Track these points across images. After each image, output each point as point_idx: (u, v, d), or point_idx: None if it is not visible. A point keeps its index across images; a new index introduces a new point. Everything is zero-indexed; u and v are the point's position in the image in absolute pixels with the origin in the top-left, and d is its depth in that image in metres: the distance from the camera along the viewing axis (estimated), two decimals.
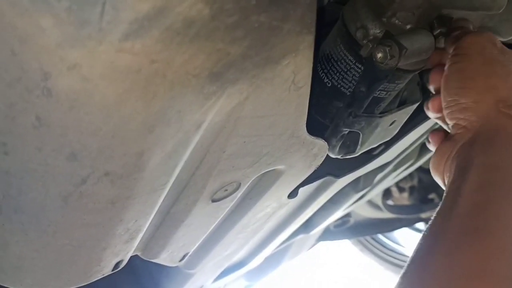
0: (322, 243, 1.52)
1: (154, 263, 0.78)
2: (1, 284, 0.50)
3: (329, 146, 0.56)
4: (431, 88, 0.57)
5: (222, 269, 0.85)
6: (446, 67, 0.53)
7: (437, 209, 0.43)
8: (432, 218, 0.43)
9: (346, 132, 0.57)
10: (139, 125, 0.32)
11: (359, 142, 0.60)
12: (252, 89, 0.36)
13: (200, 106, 0.34)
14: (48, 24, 0.27)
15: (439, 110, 0.53)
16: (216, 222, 0.57)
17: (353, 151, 0.61)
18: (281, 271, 1.56)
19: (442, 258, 0.38)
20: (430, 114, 0.57)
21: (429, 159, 0.55)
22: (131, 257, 0.56)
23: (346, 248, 2.22)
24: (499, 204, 0.40)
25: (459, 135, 0.49)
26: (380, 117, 0.58)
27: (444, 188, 0.48)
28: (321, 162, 0.55)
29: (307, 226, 1.05)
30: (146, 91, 0.30)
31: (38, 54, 0.28)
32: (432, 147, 0.56)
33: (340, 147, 0.59)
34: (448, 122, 0.51)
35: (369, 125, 0.57)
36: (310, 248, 1.46)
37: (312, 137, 0.49)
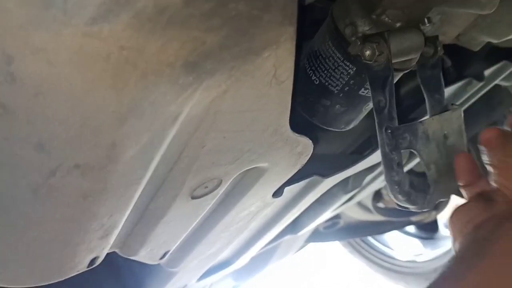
0: (311, 244, 1.51)
1: (137, 261, 0.77)
2: None
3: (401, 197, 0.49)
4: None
5: (206, 268, 0.83)
6: None
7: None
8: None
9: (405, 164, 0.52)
10: (109, 115, 0.31)
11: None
12: (231, 82, 0.35)
13: (176, 97, 0.32)
14: (11, 4, 0.25)
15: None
16: (197, 220, 0.56)
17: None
18: (273, 273, 1.55)
19: None
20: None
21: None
22: (112, 255, 0.55)
23: (335, 250, 2.22)
24: None
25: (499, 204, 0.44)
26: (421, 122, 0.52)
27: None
28: (306, 161, 0.54)
29: (294, 226, 1.03)
30: (116, 80, 0.28)
31: (0, 36, 0.26)
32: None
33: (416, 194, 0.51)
34: (492, 183, 0.46)
35: (416, 135, 0.51)
36: (299, 249, 1.45)
37: (297, 134, 0.48)
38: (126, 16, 0.26)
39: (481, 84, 0.84)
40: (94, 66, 0.27)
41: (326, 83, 0.55)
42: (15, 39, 0.26)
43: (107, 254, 0.52)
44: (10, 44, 0.26)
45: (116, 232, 0.46)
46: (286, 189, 0.63)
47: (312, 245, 1.52)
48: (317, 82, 0.55)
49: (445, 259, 2.00)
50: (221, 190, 0.50)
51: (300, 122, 0.51)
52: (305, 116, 0.58)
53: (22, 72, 0.27)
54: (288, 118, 0.44)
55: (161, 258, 0.62)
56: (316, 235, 1.44)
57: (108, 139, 0.33)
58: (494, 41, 0.69)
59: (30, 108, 0.29)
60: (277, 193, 0.62)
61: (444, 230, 2.20)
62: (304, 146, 0.51)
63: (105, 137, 0.32)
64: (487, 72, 0.85)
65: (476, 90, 0.88)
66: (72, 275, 0.49)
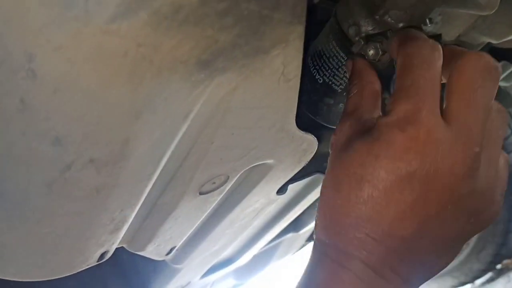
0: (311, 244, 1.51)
1: (141, 258, 0.77)
2: None
3: None
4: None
5: (210, 265, 0.84)
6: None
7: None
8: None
9: None
10: (125, 111, 0.32)
11: None
12: (241, 79, 0.36)
13: (188, 94, 0.34)
14: (34, 4, 0.26)
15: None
16: (203, 216, 0.57)
17: None
18: (273, 272, 1.56)
19: None
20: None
21: None
22: (117, 252, 0.56)
23: None
24: None
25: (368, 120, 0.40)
26: None
27: None
28: (310, 158, 0.55)
29: (296, 224, 1.05)
30: (132, 76, 0.29)
31: (23, 35, 0.27)
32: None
33: None
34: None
35: None
36: (300, 248, 1.46)
37: (302, 132, 0.49)
38: (144, 14, 0.27)
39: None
40: (111, 63, 0.28)
41: (330, 82, 0.56)
42: (37, 37, 0.27)
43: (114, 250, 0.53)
44: (32, 42, 0.27)
45: (126, 227, 0.47)
46: (290, 187, 0.65)
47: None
48: (321, 81, 0.57)
49: None
50: (228, 186, 0.51)
51: (304, 121, 0.52)
52: (309, 114, 0.59)
53: (42, 69, 0.28)
54: (294, 116, 0.45)
55: (167, 254, 0.63)
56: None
57: (122, 135, 0.34)
58: (494, 41, 0.70)
59: (49, 104, 0.30)
60: (282, 190, 0.63)
61: None
62: (309, 143, 0.52)
63: (119, 133, 0.33)
64: None
65: None
66: (82, 269, 0.50)
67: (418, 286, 0.39)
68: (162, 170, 0.42)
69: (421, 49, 0.37)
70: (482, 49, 0.74)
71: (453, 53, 0.39)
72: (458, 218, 0.37)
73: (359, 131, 0.39)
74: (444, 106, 0.37)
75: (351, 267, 0.37)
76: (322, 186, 0.40)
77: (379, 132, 0.36)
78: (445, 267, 0.40)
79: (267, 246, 1.04)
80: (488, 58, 0.37)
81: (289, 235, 1.10)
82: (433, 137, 0.35)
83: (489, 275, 2.08)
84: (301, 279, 0.41)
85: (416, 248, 0.37)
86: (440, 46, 0.38)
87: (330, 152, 0.42)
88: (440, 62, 0.38)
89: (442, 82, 0.38)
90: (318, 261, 0.39)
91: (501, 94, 1.20)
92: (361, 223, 0.36)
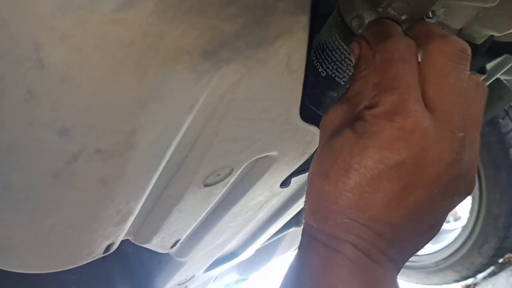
0: None
1: (146, 251, 0.78)
2: None
3: None
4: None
5: (214, 258, 0.85)
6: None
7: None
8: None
9: None
10: (131, 101, 0.32)
11: None
12: (246, 70, 0.36)
13: (193, 84, 0.34)
14: None
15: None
16: (208, 208, 0.57)
17: None
18: (276, 269, 1.57)
19: None
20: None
21: None
22: (122, 245, 0.56)
23: None
24: None
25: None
26: None
27: None
28: (314, 150, 0.55)
29: (299, 219, 1.05)
30: (138, 66, 0.30)
31: (30, 24, 0.27)
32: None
33: None
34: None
35: None
36: None
37: (306, 124, 0.49)
38: (150, 3, 0.27)
39: (483, 77, 0.85)
40: (118, 52, 0.28)
41: (333, 75, 0.56)
42: (44, 26, 0.27)
43: (118, 244, 0.54)
44: (39, 31, 0.27)
45: (131, 219, 0.47)
46: (293, 180, 0.65)
47: None
48: (324, 74, 0.57)
49: (446, 253, 2.02)
50: (232, 178, 0.52)
51: (307, 114, 0.52)
52: (312, 108, 0.59)
53: (49, 58, 0.28)
54: (299, 108, 0.46)
55: (172, 247, 0.63)
56: None
57: (128, 125, 0.34)
58: (497, 34, 0.70)
59: (56, 93, 0.31)
60: (285, 183, 0.63)
61: (445, 224, 2.21)
62: (313, 135, 0.52)
63: (126, 123, 0.34)
64: (489, 66, 0.86)
65: None
66: (88, 261, 0.51)
67: (405, 263, 0.40)
68: (167, 162, 0.42)
69: (399, 45, 0.38)
70: (484, 42, 0.74)
71: (423, 33, 0.40)
72: (445, 200, 0.38)
73: (352, 118, 0.39)
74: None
75: (341, 250, 0.38)
76: (310, 172, 0.41)
77: (367, 123, 0.37)
78: (429, 241, 0.41)
79: (270, 241, 1.04)
80: (454, 42, 0.38)
81: (292, 229, 1.10)
82: (420, 126, 0.35)
83: (491, 269, 2.09)
84: (292, 262, 0.41)
85: (404, 232, 0.38)
86: (413, 42, 0.39)
87: (320, 134, 0.42)
88: (416, 55, 0.39)
89: None
90: (309, 245, 0.40)
91: (502, 88, 1.19)
92: (348, 210, 0.37)
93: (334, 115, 0.41)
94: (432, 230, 0.40)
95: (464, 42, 0.39)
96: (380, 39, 0.41)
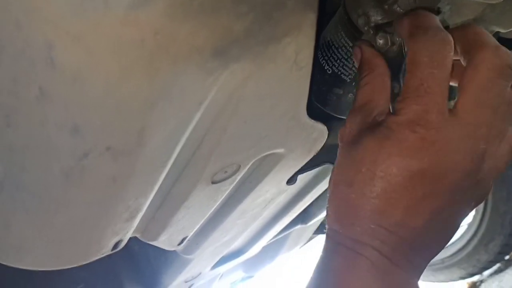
0: (320, 236, 1.52)
1: (153, 249, 0.78)
2: (2, 262, 0.50)
3: None
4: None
5: (221, 256, 0.85)
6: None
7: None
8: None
9: None
10: (141, 100, 0.32)
11: None
12: (255, 67, 0.36)
13: (203, 82, 0.34)
14: None
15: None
16: (215, 205, 0.57)
17: None
18: (282, 266, 1.57)
19: None
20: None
21: None
22: (129, 243, 0.57)
23: None
24: None
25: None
26: None
27: None
28: (320, 147, 0.55)
29: (305, 216, 1.05)
30: (149, 66, 0.30)
31: (43, 25, 0.28)
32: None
33: None
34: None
35: None
36: (308, 241, 1.47)
37: (312, 121, 0.50)
38: (161, 3, 0.27)
39: None
40: (129, 52, 0.29)
41: (339, 72, 0.56)
42: (56, 27, 0.28)
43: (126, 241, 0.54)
44: (52, 32, 0.28)
45: (140, 216, 0.48)
46: (299, 177, 0.65)
47: (320, 238, 1.54)
48: (330, 71, 0.57)
49: (452, 250, 2.01)
50: (240, 175, 0.52)
51: (313, 112, 0.53)
52: (318, 105, 0.59)
53: (62, 58, 0.29)
54: (306, 105, 0.46)
55: (179, 244, 0.63)
56: (323, 227, 1.45)
57: (138, 123, 0.34)
58: (503, 31, 0.70)
59: (68, 93, 0.31)
60: (291, 180, 0.63)
61: None
62: (319, 133, 0.52)
63: (136, 121, 0.34)
64: None
65: None
66: (97, 258, 0.51)
67: (425, 268, 0.41)
68: (176, 158, 0.43)
69: (432, 44, 0.38)
70: None
71: (473, 40, 0.39)
72: (462, 205, 0.39)
73: (369, 126, 0.40)
74: (455, 99, 0.38)
75: (366, 254, 0.38)
76: (333, 181, 0.42)
77: (390, 131, 0.37)
78: (446, 245, 0.42)
79: (276, 238, 1.04)
80: (505, 56, 0.38)
81: (298, 226, 1.10)
82: (442, 136, 0.36)
83: (497, 266, 2.08)
84: (316, 266, 0.42)
85: (425, 237, 0.39)
86: (451, 38, 0.39)
87: (340, 145, 0.43)
88: (450, 57, 0.38)
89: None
90: (333, 249, 0.41)
91: None
92: (374, 216, 0.38)
93: (351, 126, 0.42)
94: (449, 234, 0.41)
95: None
96: (413, 33, 0.40)
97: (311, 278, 0.42)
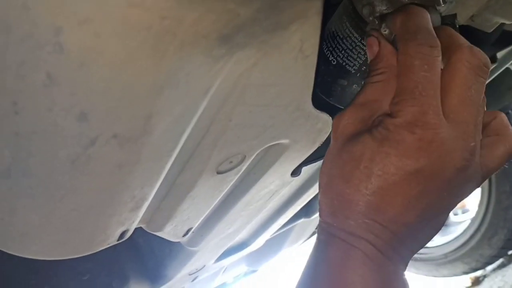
0: None
1: (157, 241, 0.79)
2: (7, 251, 0.50)
3: None
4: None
5: (225, 248, 0.86)
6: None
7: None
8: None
9: None
10: (148, 85, 0.32)
11: None
12: (260, 55, 0.36)
13: (209, 69, 0.34)
14: None
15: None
16: (220, 196, 0.58)
17: None
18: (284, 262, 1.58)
19: None
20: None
21: None
22: (134, 236, 0.57)
23: None
24: None
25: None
26: None
27: None
28: (325, 138, 0.55)
29: (308, 209, 1.05)
30: (156, 50, 0.30)
31: (50, 8, 0.28)
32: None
33: None
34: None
35: None
36: (311, 235, 1.47)
37: (317, 111, 0.50)
38: None
39: (494, 66, 0.85)
40: (136, 36, 0.29)
41: (344, 63, 0.56)
42: (63, 10, 0.28)
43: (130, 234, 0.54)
44: (59, 15, 0.28)
45: (145, 205, 0.48)
46: (303, 169, 0.65)
47: None
48: (335, 62, 0.57)
49: (456, 245, 2.01)
50: (245, 166, 0.52)
51: (318, 103, 0.53)
52: (323, 96, 0.59)
53: (69, 42, 0.29)
54: (311, 94, 0.46)
55: (184, 235, 0.64)
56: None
57: (145, 110, 0.34)
58: (508, 22, 0.70)
59: (75, 78, 0.31)
60: (296, 172, 0.63)
61: (453, 216, 2.21)
62: (324, 123, 0.52)
63: (142, 108, 0.34)
64: (499, 54, 0.86)
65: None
66: (103, 248, 0.52)
67: (410, 259, 0.43)
68: (181, 148, 0.43)
69: (422, 48, 0.39)
70: (494, 31, 0.73)
71: (448, 42, 0.41)
72: (452, 200, 0.42)
73: (369, 126, 0.42)
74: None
75: (360, 247, 0.40)
76: (326, 174, 0.43)
77: (389, 132, 0.39)
78: (432, 239, 0.44)
79: (279, 231, 1.05)
80: (479, 55, 0.40)
81: (301, 220, 1.11)
82: (438, 137, 0.38)
83: (500, 260, 2.08)
84: (310, 257, 0.43)
85: (416, 231, 0.41)
86: (438, 42, 0.40)
87: (333, 136, 0.44)
88: (439, 59, 0.40)
89: None
90: (327, 241, 0.42)
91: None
92: (369, 211, 0.39)
93: (349, 120, 0.43)
94: (437, 227, 0.43)
95: (486, 56, 0.41)
96: (403, 37, 0.41)
97: (305, 268, 0.43)
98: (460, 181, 0.40)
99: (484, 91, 0.41)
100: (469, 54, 0.39)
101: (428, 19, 0.43)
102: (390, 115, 0.40)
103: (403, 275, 0.42)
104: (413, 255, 0.43)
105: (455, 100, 0.39)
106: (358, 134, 0.41)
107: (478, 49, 0.40)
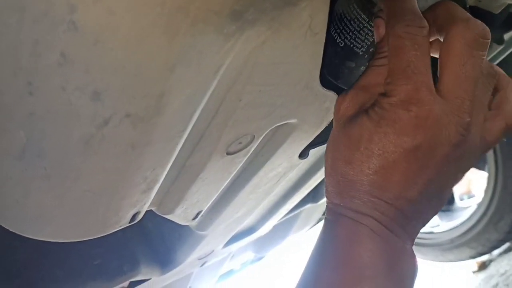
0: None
1: (167, 226, 0.80)
2: (22, 234, 0.51)
3: None
4: None
5: (233, 233, 0.86)
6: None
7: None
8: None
9: None
10: (161, 63, 0.33)
11: None
12: (270, 32, 0.36)
13: (220, 47, 0.34)
14: None
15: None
16: (229, 178, 0.58)
17: None
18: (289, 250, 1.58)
19: None
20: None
21: None
22: (143, 220, 0.58)
23: None
24: None
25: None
26: None
27: None
28: (332, 117, 0.56)
29: (315, 194, 1.06)
30: (169, 27, 0.30)
31: None
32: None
33: None
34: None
35: None
36: (317, 222, 1.48)
37: (325, 89, 0.50)
38: None
39: (500, 48, 0.85)
40: (150, 12, 0.29)
41: (351, 45, 0.56)
42: None
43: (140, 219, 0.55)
44: None
45: (157, 187, 0.48)
46: (311, 152, 0.66)
47: None
48: (342, 44, 0.57)
49: (462, 230, 2.02)
50: (253, 147, 0.53)
51: (325, 86, 0.53)
52: (330, 79, 0.60)
53: (84, 20, 0.29)
54: (319, 72, 0.46)
55: (193, 219, 0.64)
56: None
57: (157, 89, 0.35)
58: (510, 2, 0.70)
59: (89, 56, 0.32)
60: (304, 154, 0.64)
61: (460, 202, 2.21)
62: (331, 102, 0.53)
63: (155, 86, 0.35)
64: (506, 36, 0.86)
65: (495, 55, 0.88)
66: (115, 230, 0.52)
67: (416, 235, 0.45)
68: (191, 129, 0.43)
69: (410, 29, 0.40)
70: (502, 12, 0.73)
71: (445, 17, 0.42)
72: (452, 175, 0.43)
73: (366, 107, 0.43)
74: (437, 78, 0.41)
75: (367, 224, 0.41)
76: (330, 157, 0.44)
77: (384, 111, 0.40)
78: (436, 214, 0.46)
79: (286, 216, 1.05)
80: (475, 28, 0.40)
81: (308, 205, 1.11)
82: (433, 113, 0.39)
83: (507, 245, 2.09)
84: (319, 237, 0.44)
85: (419, 207, 0.42)
86: (426, 23, 0.41)
87: (335, 117, 0.46)
88: (427, 38, 0.41)
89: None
90: (335, 220, 0.44)
91: None
92: (373, 190, 0.41)
93: (350, 103, 0.44)
94: (440, 203, 0.44)
95: (485, 27, 0.41)
96: (391, 19, 0.42)
97: (314, 247, 0.45)
98: (457, 156, 0.41)
99: (482, 63, 0.41)
100: (464, 29, 0.40)
101: (414, 1, 0.43)
102: (384, 94, 0.41)
103: (410, 249, 0.43)
104: (419, 231, 0.45)
105: (450, 77, 0.40)
106: (356, 116, 0.42)
107: (476, 21, 0.40)
